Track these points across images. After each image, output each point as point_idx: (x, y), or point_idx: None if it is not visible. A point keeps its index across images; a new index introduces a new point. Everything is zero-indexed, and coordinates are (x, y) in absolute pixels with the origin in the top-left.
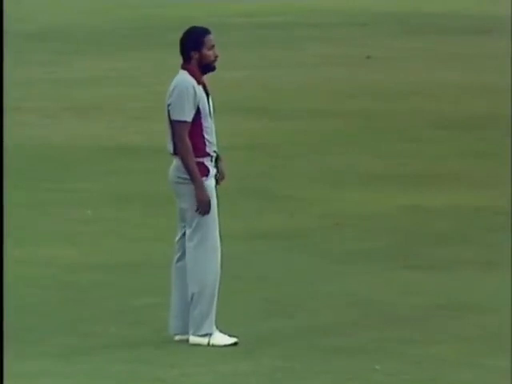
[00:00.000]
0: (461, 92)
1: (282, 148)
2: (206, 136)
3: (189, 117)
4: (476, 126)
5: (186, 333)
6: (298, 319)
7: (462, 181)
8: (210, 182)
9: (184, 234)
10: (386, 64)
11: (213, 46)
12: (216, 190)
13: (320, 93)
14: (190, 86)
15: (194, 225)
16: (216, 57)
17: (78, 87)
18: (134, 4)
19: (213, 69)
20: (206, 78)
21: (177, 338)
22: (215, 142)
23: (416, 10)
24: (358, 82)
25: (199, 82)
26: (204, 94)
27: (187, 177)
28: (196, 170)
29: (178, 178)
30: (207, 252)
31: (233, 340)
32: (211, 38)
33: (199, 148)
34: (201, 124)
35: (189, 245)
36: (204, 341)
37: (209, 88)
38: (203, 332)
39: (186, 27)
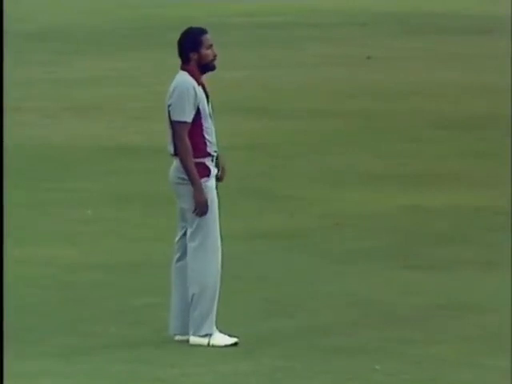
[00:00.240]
0: (461, 92)
1: (282, 148)
2: (206, 136)
3: (189, 117)
4: (476, 125)
5: (186, 333)
6: (298, 319)
7: (462, 181)
8: (210, 183)
9: (184, 233)
10: (386, 64)
11: (211, 46)
12: (217, 189)
13: (320, 93)
14: (191, 87)
15: (194, 225)
16: (215, 56)
17: (78, 87)
18: (134, 4)
19: (212, 68)
20: (205, 78)
21: (177, 338)
22: (215, 142)
23: (416, 10)
24: (358, 81)
25: (199, 83)
26: (204, 95)
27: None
28: (195, 171)
29: (179, 178)
30: (208, 252)
31: (233, 340)
32: (208, 38)
33: (200, 148)
34: (201, 124)
35: (190, 245)
36: (204, 341)
37: (208, 89)
38: (203, 332)
39: (186, 27)
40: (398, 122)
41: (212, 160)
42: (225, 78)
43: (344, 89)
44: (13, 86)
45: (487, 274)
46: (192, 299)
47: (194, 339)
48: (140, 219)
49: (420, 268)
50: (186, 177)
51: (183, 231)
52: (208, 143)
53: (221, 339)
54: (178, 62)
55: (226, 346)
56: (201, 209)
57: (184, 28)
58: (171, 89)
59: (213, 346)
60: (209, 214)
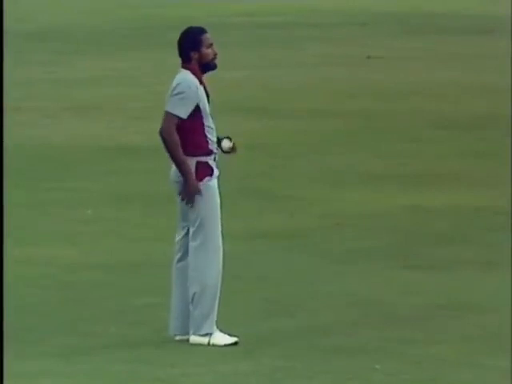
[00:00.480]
0: (461, 92)
1: (282, 148)
2: (208, 135)
3: (184, 114)
4: (476, 125)
5: (187, 333)
6: (298, 319)
7: (462, 181)
8: (213, 183)
9: (186, 233)
10: (386, 64)
11: (211, 45)
12: (219, 189)
13: (320, 93)
14: (193, 85)
15: (197, 224)
16: (215, 55)
17: (78, 87)
18: (134, 4)
19: (213, 67)
20: (205, 78)
21: (177, 338)
22: (216, 142)
23: (416, 10)
24: (358, 81)
25: (201, 82)
26: (205, 94)
27: None
28: (186, 161)
29: (180, 177)
30: (209, 252)
31: (233, 340)
32: (208, 37)
33: (203, 146)
34: (202, 123)
35: (191, 244)
36: (204, 340)
37: (208, 88)
38: (203, 332)
39: (186, 27)
40: (398, 121)
41: (214, 159)
42: (225, 77)
43: (344, 89)
44: (13, 86)
45: (487, 274)
46: (193, 298)
47: (194, 338)
48: (140, 219)
49: (420, 268)
50: None
51: (185, 231)
52: (210, 141)
53: (221, 338)
54: (178, 61)
55: (225, 345)
56: (189, 197)
57: (184, 28)
58: (174, 84)
59: (213, 345)
60: (211, 214)
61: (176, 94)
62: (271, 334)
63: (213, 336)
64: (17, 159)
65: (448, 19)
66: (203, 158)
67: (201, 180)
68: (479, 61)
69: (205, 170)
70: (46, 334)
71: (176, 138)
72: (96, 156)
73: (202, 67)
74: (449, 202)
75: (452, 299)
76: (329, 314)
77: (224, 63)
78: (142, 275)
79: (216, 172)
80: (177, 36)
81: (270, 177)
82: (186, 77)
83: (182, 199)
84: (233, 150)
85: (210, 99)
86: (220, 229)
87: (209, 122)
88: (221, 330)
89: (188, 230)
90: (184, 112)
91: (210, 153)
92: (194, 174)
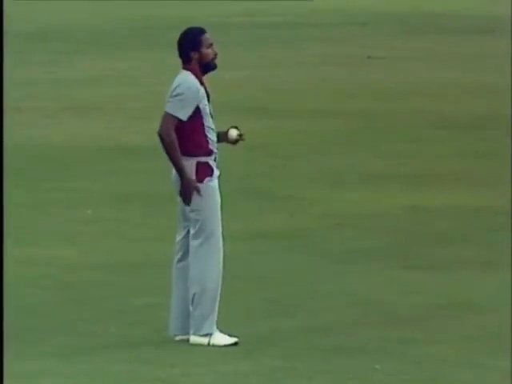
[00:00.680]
0: (461, 92)
1: (282, 148)
2: (208, 135)
3: (183, 116)
4: (476, 125)
5: (187, 333)
6: (298, 319)
7: (462, 181)
8: (213, 183)
9: (187, 233)
10: (386, 64)
11: (211, 45)
12: (219, 189)
13: (320, 93)
14: (194, 87)
15: (197, 225)
16: (215, 55)
17: (78, 87)
18: (134, 4)
19: (214, 67)
20: (205, 78)
21: (177, 338)
22: (216, 141)
23: (416, 9)
24: (358, 81)
25: (201, 83)
26: (205, 95)
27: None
28: (181, 161)
29: None
30: (209, 252)
31: (233, 340)
32: (208, 37)
33: (203, 146)
34: (202, 124)
35: (192, 244)
36: (204, 341)
37: (209, 89)
38: (204, 332)
39: (186, 27)
40: (398, 121)
41: (215, 159)
42: (225, 78)
43: (344, 89)
44: (13, 86)
45: (487, 274)
46: (193, 299)
47: (194, 338)
48: (140, 219)
49: (420, 268)
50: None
51: (186, 231)
52: (210, 141)
53: (221, 339)
54: (178, 61)
55: (225, 345)
56: (187, 195)
57: (184, 28)
58: (174, 85)
59: (213, 345)
60: (211, 214)
61: (176, 96)
62: (271, 334)
63: (213, 336)
64: (17, 159)
65: (448, 19)
66: (203, 159)
67: (201, 180)
68: (479, 61)
69: (205, 171)
70: (45, 334)
71: (174, 138)
72: (96, 156)
73: (203, 67)
74: (449, 201)
75: (452, 299)
76: (329, 314)
77: (224, 63)
78: (142, 275)
79: (216, 172)
80: (177, 36)
81: (269, 177)
82: (187, 78)
83: (181, 195)
84: (241, 137)
85: (211, 99)
86: (221, 229)
87: (209, 122)
88: (221, 331)
89: (189, 230)
90: (183, 114)
91: (210, 153)
92: (189, 173)
